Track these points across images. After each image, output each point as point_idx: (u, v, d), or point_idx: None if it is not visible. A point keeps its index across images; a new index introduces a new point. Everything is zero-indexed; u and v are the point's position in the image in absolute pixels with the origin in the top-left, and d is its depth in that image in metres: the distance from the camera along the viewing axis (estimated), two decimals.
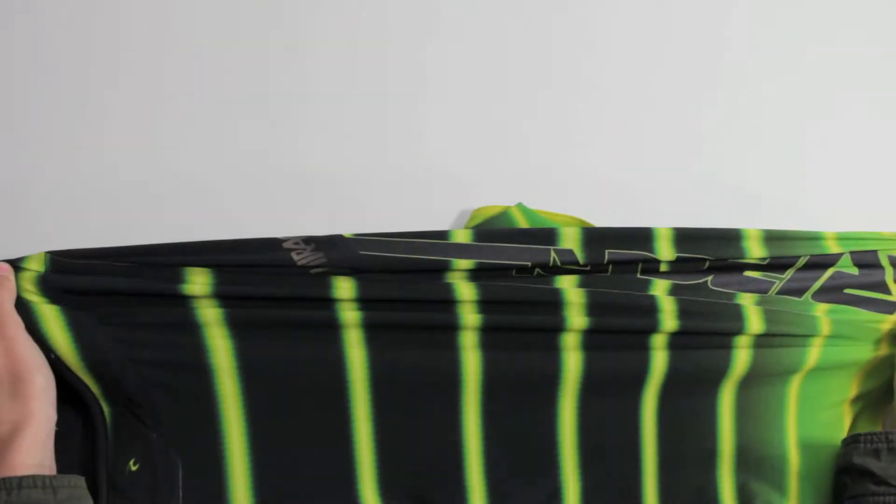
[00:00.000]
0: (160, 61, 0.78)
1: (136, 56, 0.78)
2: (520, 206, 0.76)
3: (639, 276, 0.72)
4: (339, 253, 0.69)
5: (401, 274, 0.70)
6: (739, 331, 0.71)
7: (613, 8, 0.81)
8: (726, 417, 0.72)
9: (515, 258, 0.71)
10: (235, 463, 0.69)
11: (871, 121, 0.81)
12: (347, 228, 0.72)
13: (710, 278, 0.73)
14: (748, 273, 0.73)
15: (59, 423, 0.67)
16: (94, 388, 0.68)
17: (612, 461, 0.71)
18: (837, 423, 0.73)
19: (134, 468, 0.68)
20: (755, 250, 0.73)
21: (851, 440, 0.68)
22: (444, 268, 0.70)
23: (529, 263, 0.71)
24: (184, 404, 0.69)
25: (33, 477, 0.62)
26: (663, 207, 0.78)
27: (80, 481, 0.65)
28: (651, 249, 0.72)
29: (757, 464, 0.72)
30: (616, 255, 0.71)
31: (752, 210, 0.78)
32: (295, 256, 0.69)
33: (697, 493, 0.71)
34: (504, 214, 0.75)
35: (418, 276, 0.70)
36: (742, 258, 0.72)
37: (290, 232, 0.72)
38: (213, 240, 0.70)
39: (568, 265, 0.71)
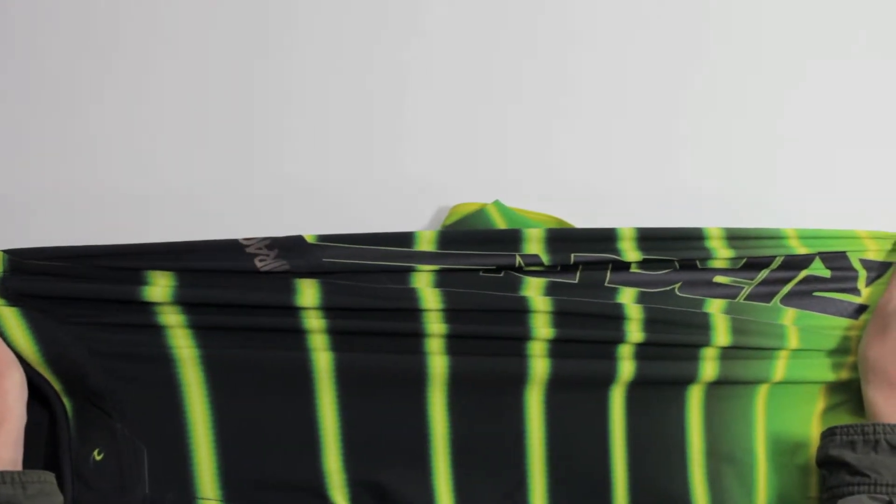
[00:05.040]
0: (144, 66, 0.78)
1: (123, 60, 0.78)
2: (497, 203, 0.76)
3: (606, 284, 0.73)
4: (302, 259, 0.69)
5: (365, 275, 0.70)
6: (706, 343, 0.71)
7: (592, 14, 0.82)
8: (695, 420, 0.72)
9: (480, 265, 0.71)
10: (201, 450, 0.69)
11: (839, 122, 0.82)
12: (329, 231, 0.72)
13: (677, 285, 0.73)
14: (717, 279, 0.73)
15: None
16: (56, 383, 0.68)
17: (581, 457, 0.71)
18: (806, 428, 0.73)
19: (99, 458, 0.68)
20: (721, 250, 0.72)
21: (828, 433, 0.68)
22: (408, 271, 0.71)
23: (495, 266, 0.71)
24: (147, 394, 0.69)
25: (2, 473, 0.62)
26: (640, 210, 0.78)
27: (49, 477, 0.64)
28: (615, 251, 0.72)
29: (727, 464, 0.72)
30: (582, 258, 0.71)
31: (725, 213, 0.78)
32: (258, 263, 0.69)
33: (668, 490, 0.71)
34: (481, 212, 0.75)
35: (382, 279, 0.70)
36: (709, 259, 0.72)
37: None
38: (174, 241, 0.70)
39: (534, 266, 0.71)
